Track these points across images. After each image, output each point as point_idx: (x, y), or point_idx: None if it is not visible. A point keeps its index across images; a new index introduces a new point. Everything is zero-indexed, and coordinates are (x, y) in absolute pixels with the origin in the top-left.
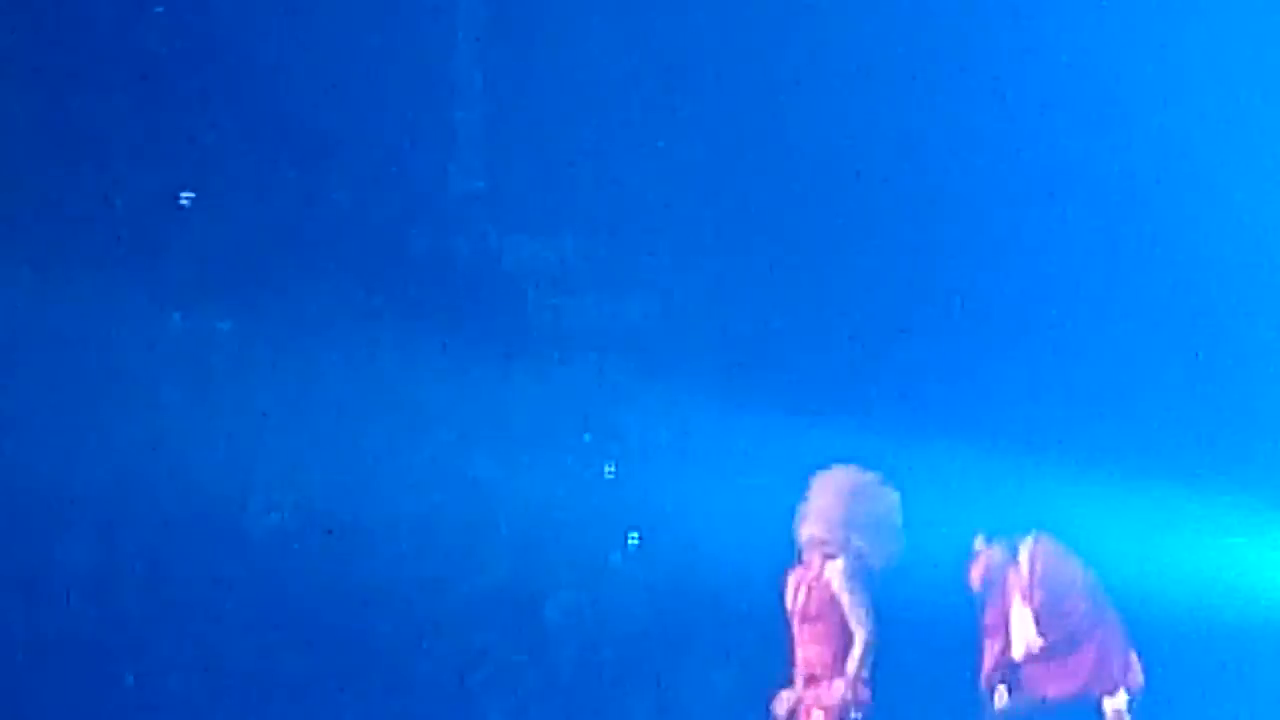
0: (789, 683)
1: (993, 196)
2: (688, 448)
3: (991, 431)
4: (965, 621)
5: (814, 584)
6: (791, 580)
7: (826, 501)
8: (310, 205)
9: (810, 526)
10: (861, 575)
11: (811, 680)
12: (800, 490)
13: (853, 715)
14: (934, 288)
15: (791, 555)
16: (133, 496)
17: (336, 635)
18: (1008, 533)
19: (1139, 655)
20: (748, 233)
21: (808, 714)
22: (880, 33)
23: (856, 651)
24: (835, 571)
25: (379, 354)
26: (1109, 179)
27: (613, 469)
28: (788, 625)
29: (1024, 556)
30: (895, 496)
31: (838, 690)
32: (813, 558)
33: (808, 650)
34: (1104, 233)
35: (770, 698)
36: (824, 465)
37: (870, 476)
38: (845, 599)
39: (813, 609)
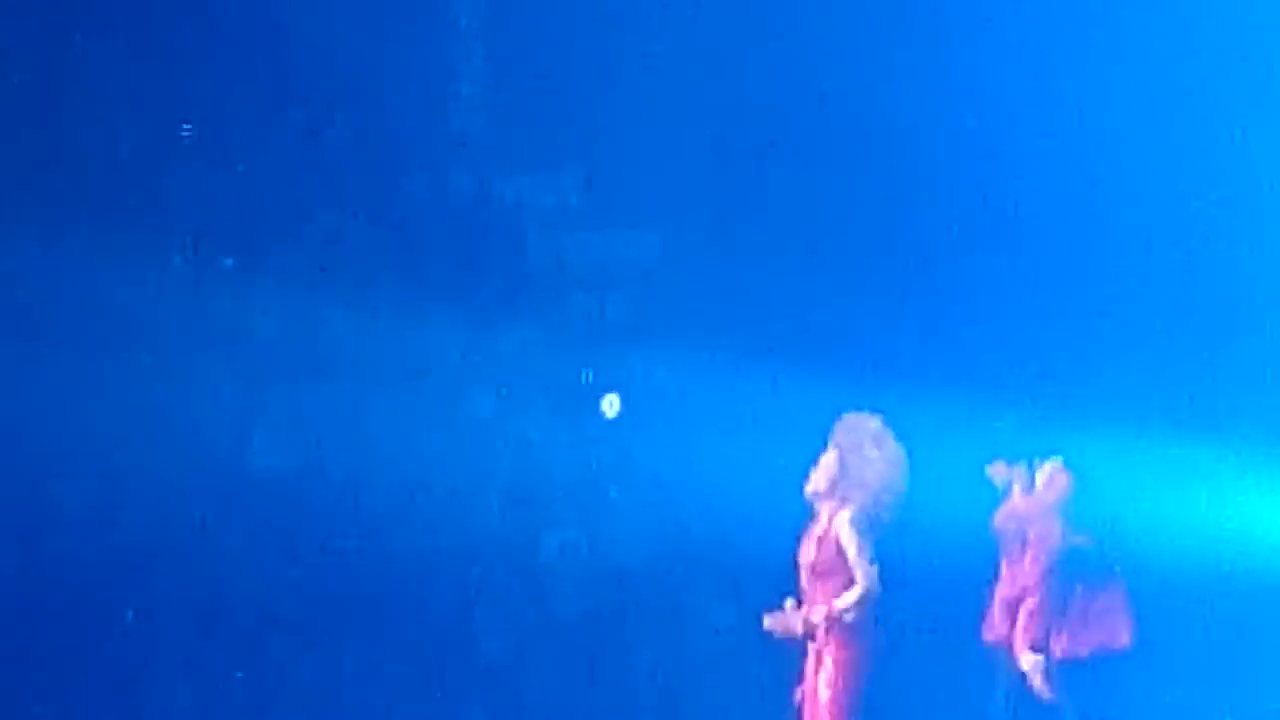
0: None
1: (1006, 148)
2: (688, 386)
3: (997, 382)
4: (973, 569)
5: (823, 537)
6: (805, 536)
7: (831, 454)
8: (310, 143)
9: (816, 480)
10: (867, 526)
11: (823, 628)
12: (800, 431)
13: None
14: (946, 233)
15: (792, 495)
16: (133, 435)
17: (335, 574)
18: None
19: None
20: (751, 171)
21: (820, 660)
22: None
23: (851, 596)
24: (842, 523)
25: (379, 293)
26: (1115, 138)
27: (613, 406)
28: (797, 578)
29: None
30: (899, 447)
31: (815, 615)
32: (822, 511)
33: (823, 608)
34: (1115, 185)
35: (769, 641)
36: (825, 407)
37: (875, 425)
38: (851, 550)
39: (823, 563)
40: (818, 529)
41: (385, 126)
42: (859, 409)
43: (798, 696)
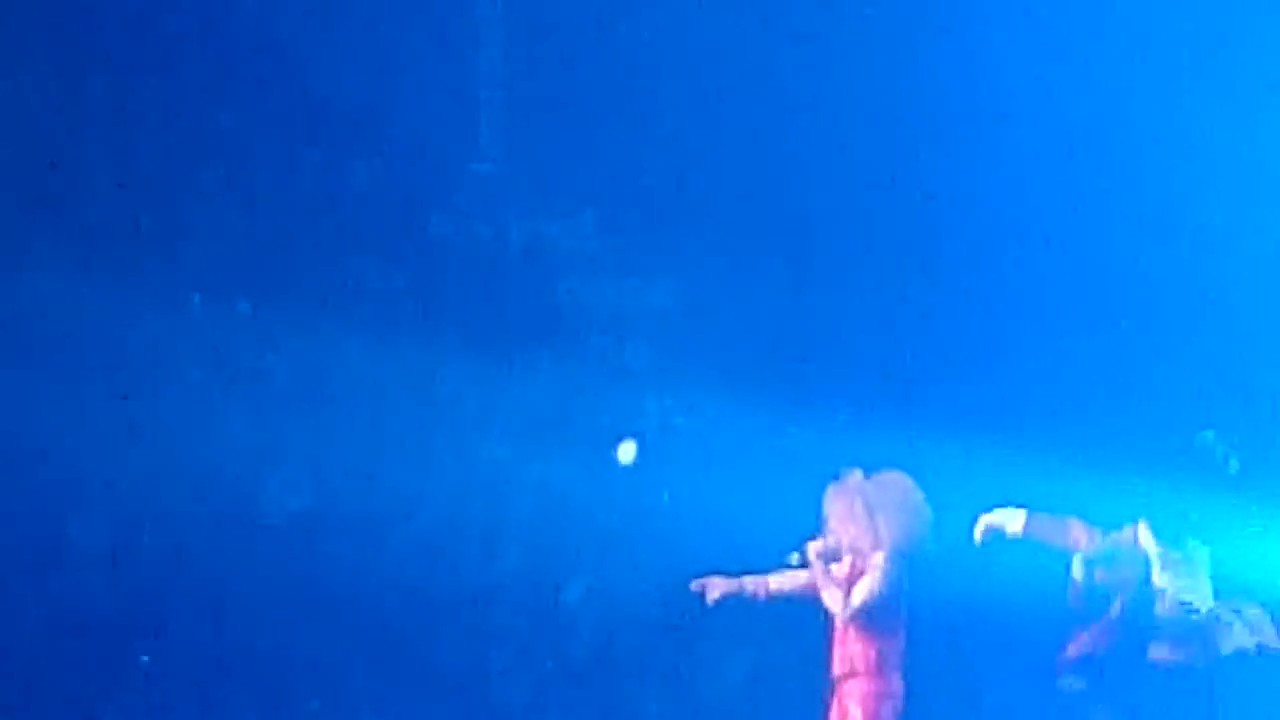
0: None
1: (1006, 197)
2: (706, 434)
3: (1012, 429)
4: (993, 612)
5: (834, 583)
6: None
7: (861, 511)
8: (330, 187)
9: (841, 530)
10: (899, 574)
11: (850, 676)
12: (818, 480)
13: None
14: (956, 282)
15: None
16: (150, 478)
17: (353, 620)
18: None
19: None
20: (770, 219)
21: (844, 711)
22: (901, 20)
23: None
24: (876, 570)
25: (398, 338)
26: (1110, 174)
27: (631, 455)
28: (829, 625)
29: None
30: (926, 506)
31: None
32: (852, 559)
33: (850, 648)
34: (1108, 232)
35: (785, 688)
36: (842, 455)
37: (906, 483)
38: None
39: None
40: (846, 574)
41: (405, 170)
42: (878, 454)
43: None
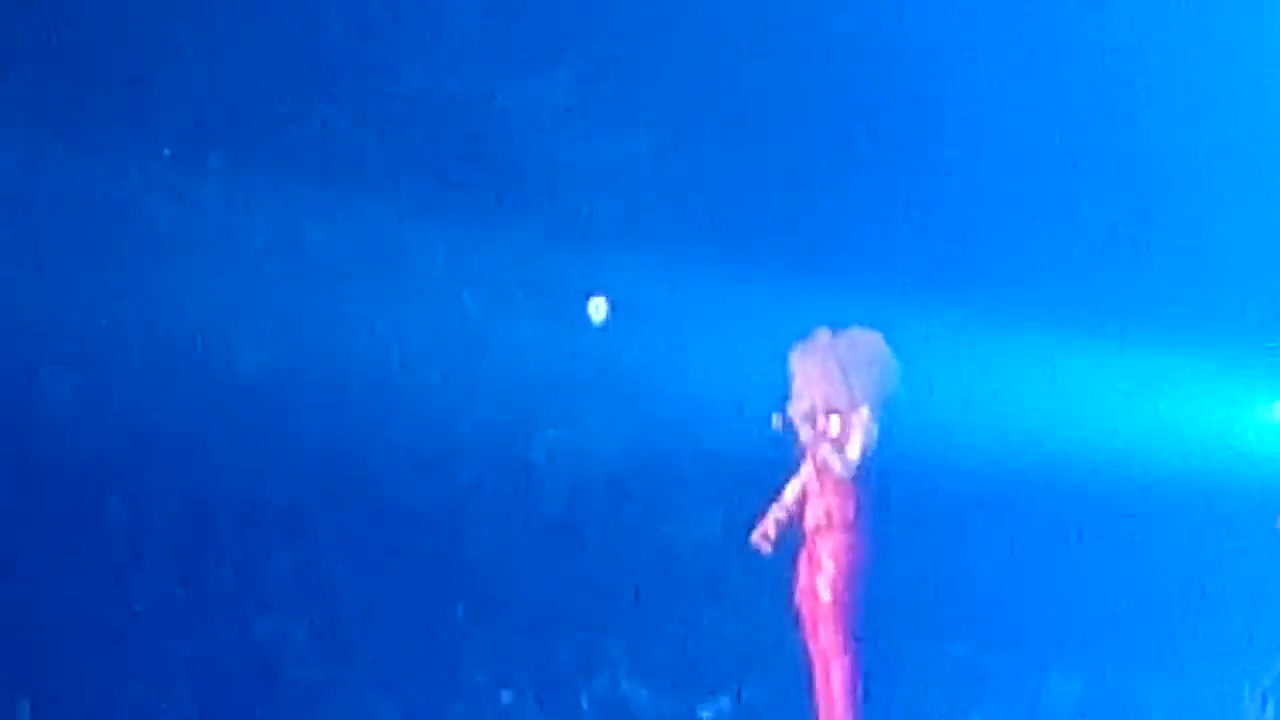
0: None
1: (991, 70)
2: (676, 289)
3: (983, 294)
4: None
5: (829, 442)
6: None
7: (834, 369)
8: (302, 41)
9: (814, 390)
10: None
11: (824, 529)
12: (790, 336)
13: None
14: (939, 139)
15: (779, 400)
16: (120, 331)
17: (323, 475)
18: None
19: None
20: (743, 77)
21: (817, 564)
22: None
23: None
24: (864, 425)
25: (369, 193)
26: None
27: (599, 310)
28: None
29: None
30: (896, 361)
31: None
32: (824, 418)
33: (821, 503)
34: (1089, 110)
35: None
36: (815, 313)
37: (876, 341)
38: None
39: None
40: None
41: (377, 27)
42: (850, 315)
43: (797, 600)
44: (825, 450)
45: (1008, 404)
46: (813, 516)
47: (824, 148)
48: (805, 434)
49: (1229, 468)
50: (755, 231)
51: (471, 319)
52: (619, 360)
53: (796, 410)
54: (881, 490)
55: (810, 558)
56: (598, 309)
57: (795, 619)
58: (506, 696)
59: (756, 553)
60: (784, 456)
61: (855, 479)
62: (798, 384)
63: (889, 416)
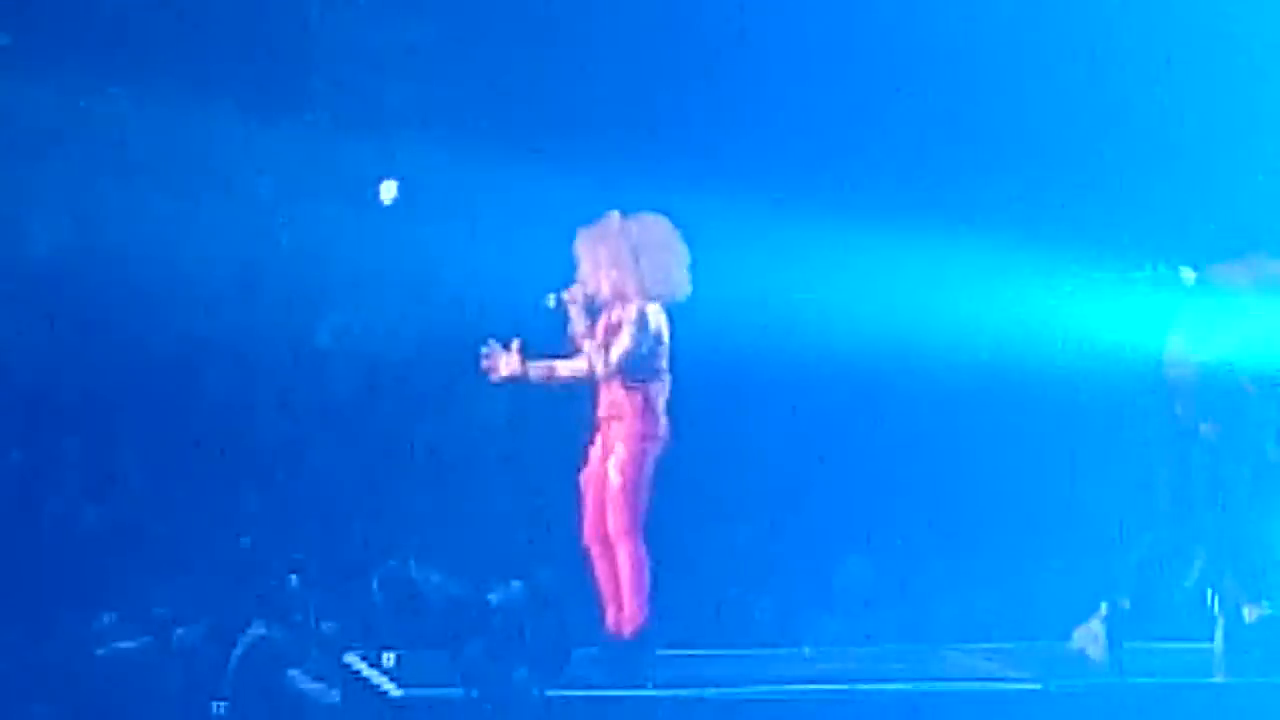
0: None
1: None
2: (467, 172)
3: (777, 185)
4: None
5: (617, 328)
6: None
7: (625, 253)
8: None
9: (610, 278)
10: (659, 321)
11: (615, 418)
12: (581, 221)
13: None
14: (724, 48)
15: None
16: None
17: (111, 359)
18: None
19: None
20: None
21: (608, 448)
22: None
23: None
24: (632, 321)
25: (156, 76)
26: None
27: (389, 191)
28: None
29: None
30: (685, 247)
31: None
32: (616, 306)
33: (614, 393)
34: None
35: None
36: (607, 199)
37: (665, 225)
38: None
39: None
40: (609, 322)
41: None
42: (642, 201)
43: (582, 481)
44: (589, 346)
45: (804, 292)
46: (604, 405)
47: (622, 36)
48: (577, 323)
49: (1028, 354)
50: (545, 117)
51: (259, 200)
52: (408, 243)
53: (575, 295)
54: (674, 379)
55: (601, 443)
56: (387, 190)
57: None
58: (294, 580)
59: (545, 434)
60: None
61: (623, 376)
62: (583, 268)
63: (681, 304)
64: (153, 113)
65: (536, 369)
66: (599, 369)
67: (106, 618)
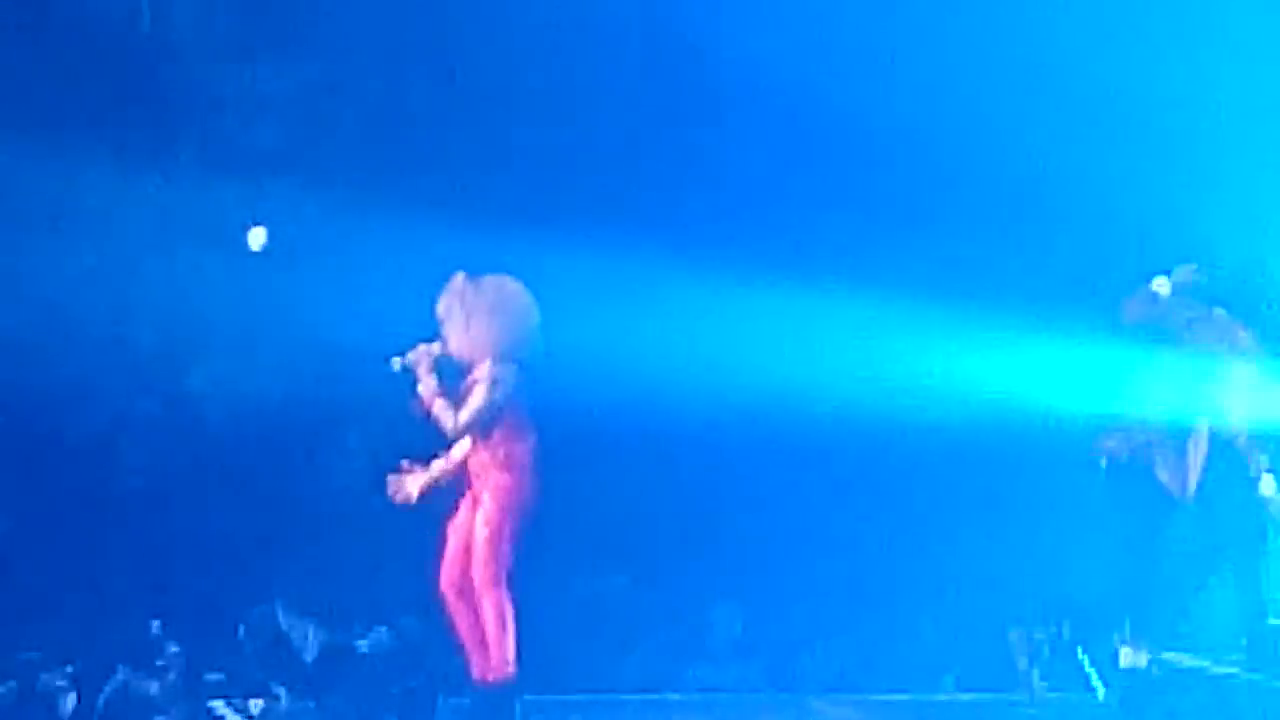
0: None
1: None
2: (333, 221)
3: (631, 234)
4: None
5: (474, 389)
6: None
7: (481, 316)
8: None
9: (463, 341)
10: (509, 379)
11: (481, 473)
12: (440, 269)
13: None
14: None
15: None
16: None
17: None
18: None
19: None
20: (396, 8)
21: (476, 499)
22: None
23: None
24: (498, 375)
25: (30, 122)
26: None
27: (258, 239)
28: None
29: None
30: (534, 307)
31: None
32: (478, 366)
33: (479, 452)
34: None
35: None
36: (463, 250)
37: (514, 287)
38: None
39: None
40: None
41: None
42: (503, 253)
43: (449, 531)
44: (438, 407)
45: (667, 341)
46: (471, 458)
47: (476, 87)
48: (425, 385)
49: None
50: (411, 167)
51: (131, 245)
52: (278, 291)
53: (419, 357)
54: (540, 433)
55: (472, 495)
56: (256, 238)
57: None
58: (156, 626)
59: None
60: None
61: (478, 433)
62: (443, 329)
63: (542, 360)
64: (24, 157)
65: (438, 470)
66: (448, 428)
67: None
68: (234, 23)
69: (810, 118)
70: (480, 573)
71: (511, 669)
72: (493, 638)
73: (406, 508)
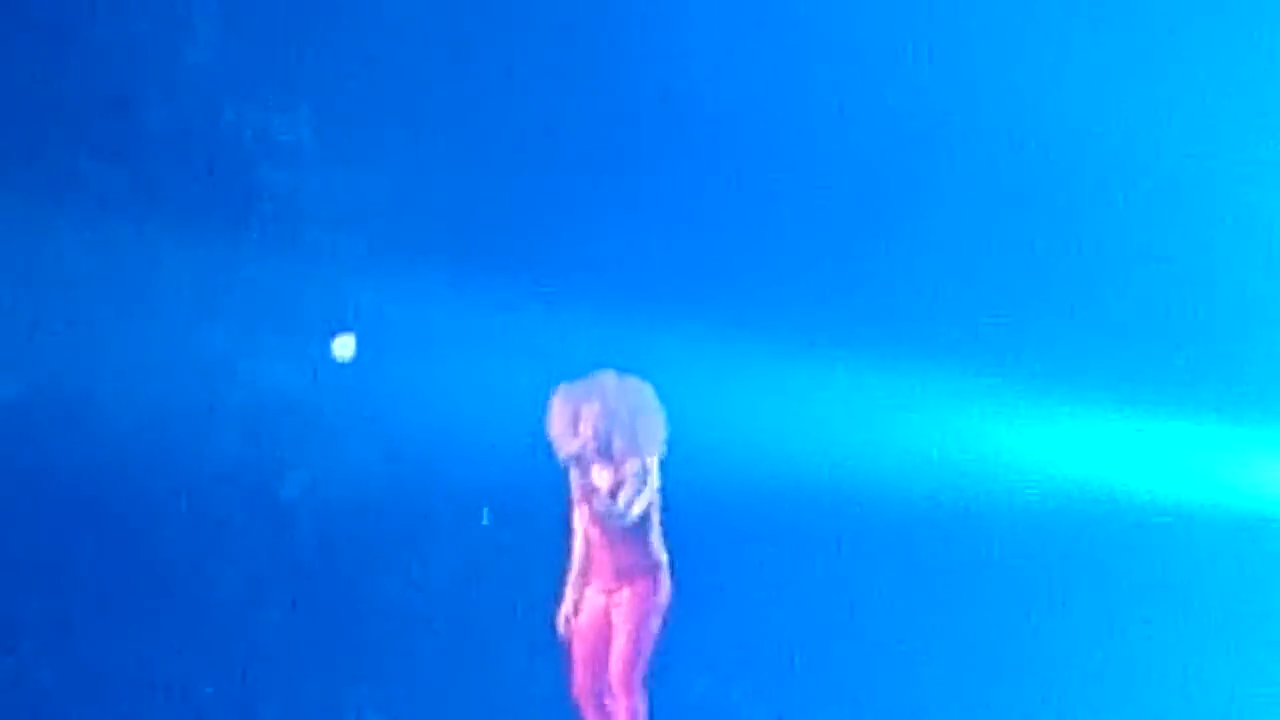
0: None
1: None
2: (421, 324)
3: (740, 320)
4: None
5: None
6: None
7: (607, 418)
8: (42, 77)
9: (589, 436)
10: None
11: (618, 571)
12: (537, 370)
13: None
14: (679, 178)
15: (529, 434)
16: None
17: (67, 511)
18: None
19: None
20: (481, 107)
21: (612, 599)
22: None
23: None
24: (642, 475)
25: (111, 227)
26: None
27: (346, 347)
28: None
29: None
30: (661, 409)
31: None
32: (601, 469)
33: (620, 555)
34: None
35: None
36: (560, 344)
37: (645, 390)
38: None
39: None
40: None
41: (116, 60)
42: (600, 344)
43: (573, 634)
44: (598, 499)
45: (783, 429)
46: (603, 557)
47: (564, 176)
48: (578, 483)
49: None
50: (501, 264)
51: (217, 354)
52: (368, 396)
53: (566, 455)
54: (668, 534)
55: (604, 595)
56: (345, 346)
57: (565, 657)
58: None
59: (509, 584)
60: (536, 491)
61: (634, 528)
62: (572, 426)
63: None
64: (109, 261)
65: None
66: (613, 521)
67: None
68: (314, 128)
69: (849, 208)
70: (620, 676)
71: None
72: None
73: (498, 610)
